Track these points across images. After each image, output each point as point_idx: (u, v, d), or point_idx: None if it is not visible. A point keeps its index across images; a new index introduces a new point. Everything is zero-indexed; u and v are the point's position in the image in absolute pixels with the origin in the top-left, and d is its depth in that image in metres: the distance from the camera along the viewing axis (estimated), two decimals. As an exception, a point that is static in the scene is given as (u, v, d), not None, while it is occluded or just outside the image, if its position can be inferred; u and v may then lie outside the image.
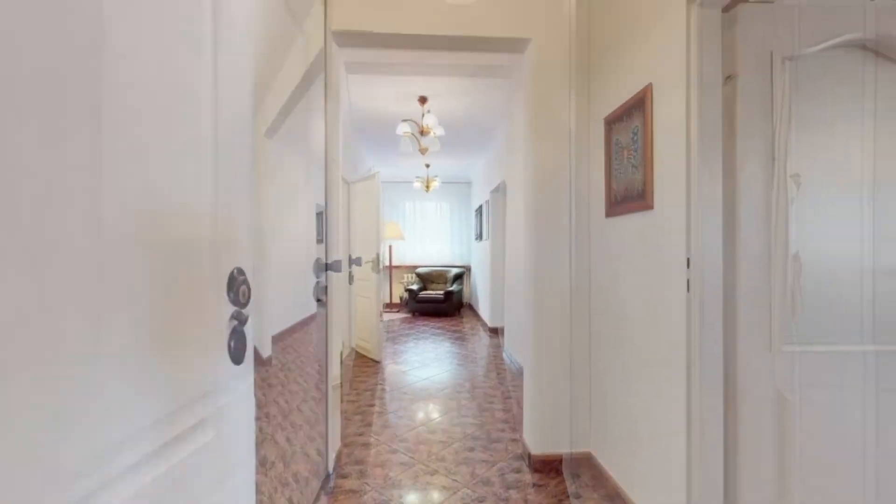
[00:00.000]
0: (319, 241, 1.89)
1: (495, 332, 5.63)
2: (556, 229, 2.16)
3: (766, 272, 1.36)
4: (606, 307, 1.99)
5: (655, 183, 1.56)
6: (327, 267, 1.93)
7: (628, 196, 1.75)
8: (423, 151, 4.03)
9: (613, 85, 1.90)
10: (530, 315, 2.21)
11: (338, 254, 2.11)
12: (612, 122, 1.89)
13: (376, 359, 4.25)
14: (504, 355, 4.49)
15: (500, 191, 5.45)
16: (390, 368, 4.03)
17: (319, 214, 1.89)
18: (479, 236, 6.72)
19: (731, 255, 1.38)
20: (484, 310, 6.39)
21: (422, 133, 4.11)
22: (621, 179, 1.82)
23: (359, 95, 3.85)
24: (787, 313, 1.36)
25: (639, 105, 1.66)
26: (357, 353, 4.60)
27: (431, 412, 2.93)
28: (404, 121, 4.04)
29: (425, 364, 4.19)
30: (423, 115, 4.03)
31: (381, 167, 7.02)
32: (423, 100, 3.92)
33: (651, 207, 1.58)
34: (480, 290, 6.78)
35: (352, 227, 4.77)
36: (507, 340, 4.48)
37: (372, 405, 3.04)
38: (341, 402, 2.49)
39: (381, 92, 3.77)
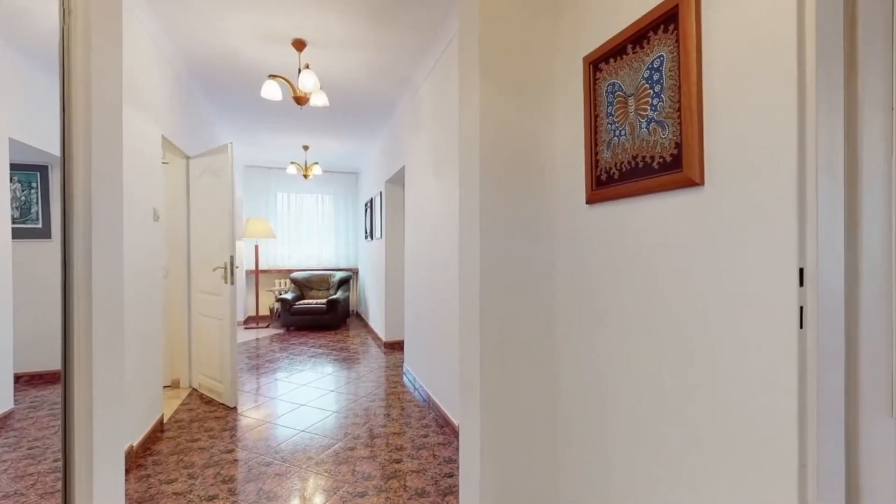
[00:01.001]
0: (34, 229, 0.83)
1: (392, 347, 4.79)
2: (515, 220, 1.45)
3: (889, 288, 0.85)
4: (583, 348, 1.35)
5: (708, 143, 0.95)
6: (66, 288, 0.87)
7: (640, 169, 1.12)
8: (300, 101, 2.98)
9: (604, 3, 1.26)
10: (472, 346, 1.46)
11: (117, 260, 1.04)
12: (603, 60, 1.26)
13: (229, 404, 3.04)
14: (405, 379, 3.70)
15: (397, 180, 4.64)
16: (250, 419, 2.87)
17: (39, 171, 0.84)
18: (370, 234, 5.80)
19: (854, 264, 0.83)
20: (376, 320, 5.49)
21: (298, 102, 3.06)
22: (622, 145, 1.19)
23: (201, 27, 2.62)
24: (897, 352, 0.86)
25: (666, 21, 1.04)
26: (200, 396, 3.28)
27: (313, 494, 1.97)
28: (272, 76, 2.94)
29: (302, 405, 3.13)
30: (298, 70, 2.98)
31: (242, 145, 5.56)
32: (299, 45, 2.88)
33: (696, 183, 0.96)
34: (372, 297, 5.86)
35: (192, 219, 3.41)
36: (409, 359, 3.70)
37: (213, 498, 1.93)
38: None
39: (237, 22, 2.61)
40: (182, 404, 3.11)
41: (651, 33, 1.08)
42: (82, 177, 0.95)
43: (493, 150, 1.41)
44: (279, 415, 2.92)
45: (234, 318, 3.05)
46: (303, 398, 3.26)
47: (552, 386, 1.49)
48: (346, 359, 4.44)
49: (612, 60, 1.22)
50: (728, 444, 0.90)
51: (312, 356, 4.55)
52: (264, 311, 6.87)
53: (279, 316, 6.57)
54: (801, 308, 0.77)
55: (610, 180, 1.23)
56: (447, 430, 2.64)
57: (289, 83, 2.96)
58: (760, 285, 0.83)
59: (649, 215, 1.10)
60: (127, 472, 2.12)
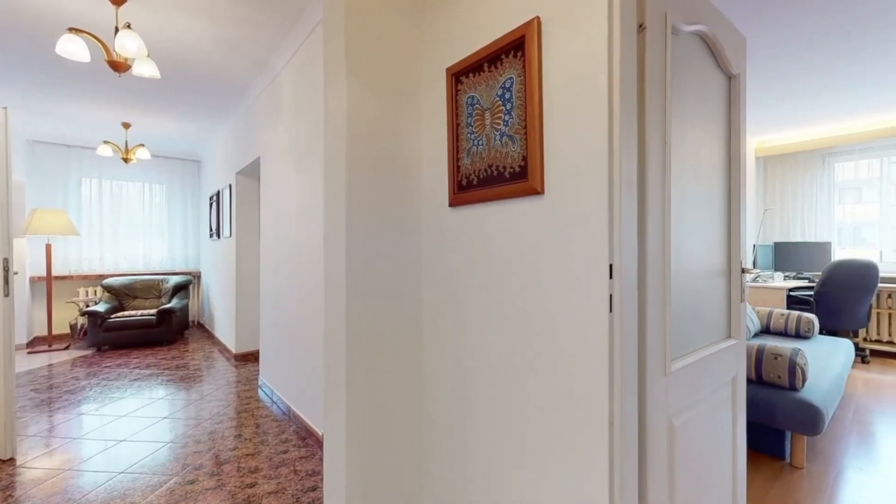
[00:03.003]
0: None
1: (244, 359, 4.27)
2: (382, 219, 1.45)
3: (663, 278, 1.12)
4: (447, 340, 1.43)
5: (548, 158, 1.11)
6: None
7: (494, 177, 1.25)
8: (118, 67, 2.42)
9: (464, 19, 1.36)
10: (337, 348, 1.41)
11: None
12: (464, 73, 1.35)
13: (2, 456, 2.28)
14: (261, 393, 3.34)
15: (251, 173, 4.17)
16: (37, 470, 2.21)
17: None
18: (216, 232, 5.07)
19: (643, 259, 1.07)
20: (224, 330, 4.83)
21: (115, 68, 2.50)
22: (480, 154, 1.30)
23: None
24: (667, 326, 1.16)
25: (515, 47, 1.18)
26: (-50, 451, 2.37)
27: (137, 546, 1.62)
28: (74, 30, 2.32)
29: (120, 441, 2.55)
30: (116, 29, 2.42)
31: (25, 114, 4.27)
32: (116, -2, 2.34)
33: (539, 192, 1.11)
34: (219, 304, 5.13)
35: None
36: (266, 371, 3.36)
37: (-28, 586, 1.42)
38: None
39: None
40: (-87, 467, 2.20)
41: (503, 56, 1.21)
42: None
43: (360, 147, 1.39)
44: (85, 458, 2.32)
45: (12, 341, 2.30)
46: (122, 432, 2.65)
47: (419, 382, 1.54)
48: (185, 378, 3.78)
49: (471, 75, 1.33)
50: (563, 412, 1.06)
51: (137, 379, 3.75)
52: (62, 329, 5.37)
53: (85, 334, 5.24)
54: (611, 296, 0.97)
55: (470, 185, 1.34)
56: (310, 441, 2.48)
57: (101, 43, 2.38)
58: (584, 278, 1.01)
59: (503, 218, 1.23)
60: None
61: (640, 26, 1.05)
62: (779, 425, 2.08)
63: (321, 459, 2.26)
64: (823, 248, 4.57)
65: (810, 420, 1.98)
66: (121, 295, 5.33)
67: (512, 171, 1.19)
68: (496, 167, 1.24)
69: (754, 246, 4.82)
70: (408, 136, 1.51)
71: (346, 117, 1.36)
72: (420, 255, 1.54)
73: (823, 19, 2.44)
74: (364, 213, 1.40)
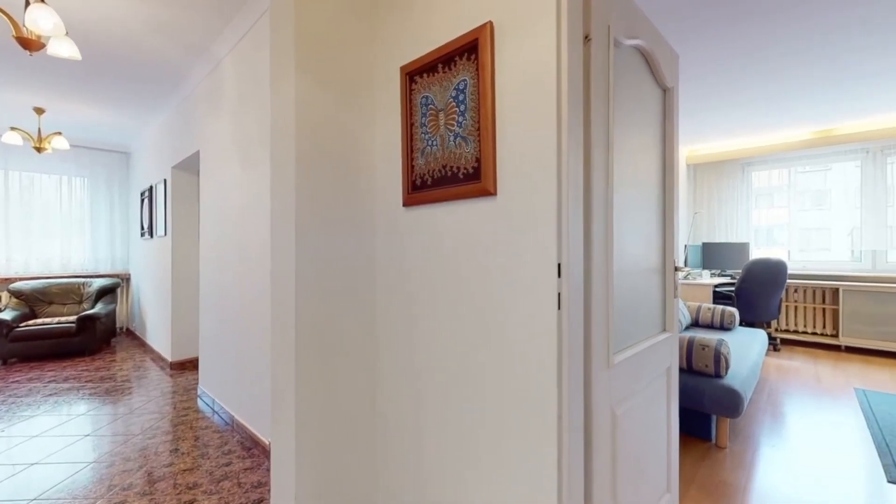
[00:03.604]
0: None
1: (182, 367, 3.97)
2: (334, 218, 1.40)
3: (607, 277, 1.19)
4: (401, 339, 1.42)
5: (500, 160, 1.13)
6: None
7: (448, 178, 1.26)
8: (30, 45, 2.16)
9: (419, 19, 1.36)
10: (286, 351, 1.35)
11: None
12: (418, 73, 1.35)
13: None
14: (200, 403, 3.13)
15: (189, 167, 3.89)
16: (-73, 502, 1.91)
17: None
18: (149, 231, 4.67)
19: (588, 258, 1.12)
20: (158, 337, 4.46)
21: (25, 46, 2.23)
22: (434, 154, 1.30)
23: None
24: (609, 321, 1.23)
25: (468, 50, 1.19)
26: None
27: (53, 580, 1.45)
28: (-27, -1, 2.04)
29: (32, 464, 2.27)
30: (27, 2, 2.16)
31: None
32: (26, -33, 2.08)
33: (492, 193, 1.14)
34: (152, 309, 4.73)
35: None
36: (206, 379, 3.15)
37: None
38: None
39: None
40: None
41: (457, 58, 1.23)
42: None
43: (310, 143, 1.34)
44: (-12, 486, 2.04)
45: None
46: (34, 455, 2.36)
47: (372, 382, 1.51)
48: (112, 390, 3.45)
49: (425, 75, 1.33)
50: (514, 408, 1.09)
51: (52, 394, 3.36)
52: (-43, 341, 4.68)
53: (-12, 345, 4.61)
54: (559, 294, 1.01)
55: (424, 186, 1.33)
56: (256, 451, 2.36)
57: (8, 17, 2.11)
58: (535, 276, 1.04)
59: (457, 219, 1.25)
60: None
61: (586, 37, 1.10)
62: (706, 410, 2.28)
63: (268, 470, 2.16)
64: (742, 248, 5.07)
65: (732, 404, 2.19)
66: (33, 300, 4.75)
67: (466, 172, 1.20)
68: (450, 168, 1.25)
69: (685, 246, 5.24)
70: (360, 134, 1.48)
71: (295, 112, 1.30)
72: (374, 254, 1.52)
73: (745, 42, 2.70)
74: (314, 212, 1.35)
